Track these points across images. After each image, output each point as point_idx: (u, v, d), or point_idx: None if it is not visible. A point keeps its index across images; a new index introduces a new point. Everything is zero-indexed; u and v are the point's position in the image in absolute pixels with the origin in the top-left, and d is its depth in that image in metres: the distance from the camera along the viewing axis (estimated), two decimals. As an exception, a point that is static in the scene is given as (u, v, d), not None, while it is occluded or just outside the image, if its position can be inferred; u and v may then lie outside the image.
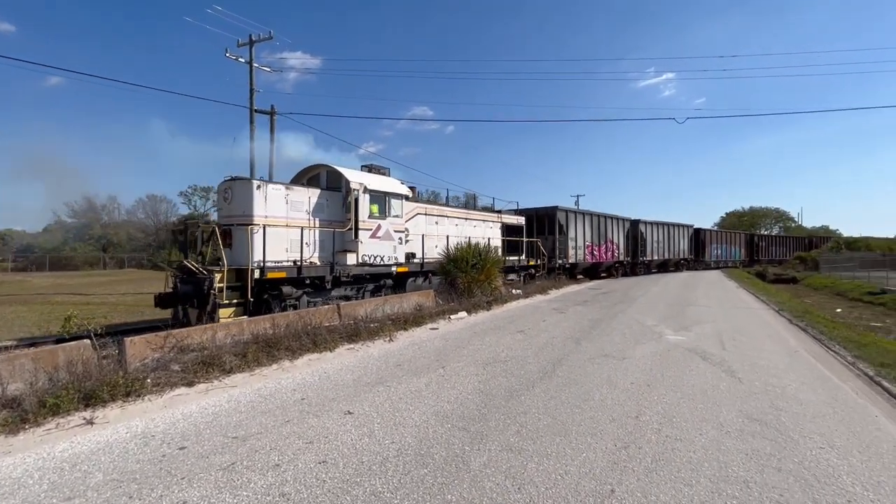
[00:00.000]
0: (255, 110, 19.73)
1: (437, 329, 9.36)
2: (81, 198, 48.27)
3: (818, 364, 6.72)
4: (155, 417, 4.49)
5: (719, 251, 41.23)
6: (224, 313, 8.56)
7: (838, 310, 16.69)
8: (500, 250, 17.40)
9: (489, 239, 16.66)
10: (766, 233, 61.43)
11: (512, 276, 18.27)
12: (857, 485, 3.28)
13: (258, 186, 9.65)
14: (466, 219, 16.30)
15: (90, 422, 4.37)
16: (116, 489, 3.17)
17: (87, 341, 5.61)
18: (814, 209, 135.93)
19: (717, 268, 39.32)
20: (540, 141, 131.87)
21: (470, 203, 20.05)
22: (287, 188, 10.24)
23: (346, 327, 8.11)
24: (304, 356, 6.86)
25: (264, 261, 9.32)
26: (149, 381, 5.24)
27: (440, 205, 15.86)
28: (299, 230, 10.21)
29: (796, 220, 78.03)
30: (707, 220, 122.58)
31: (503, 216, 18.87)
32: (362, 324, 8.41)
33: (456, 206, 17.06)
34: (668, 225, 34.90)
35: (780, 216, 78.72)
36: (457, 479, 3.29)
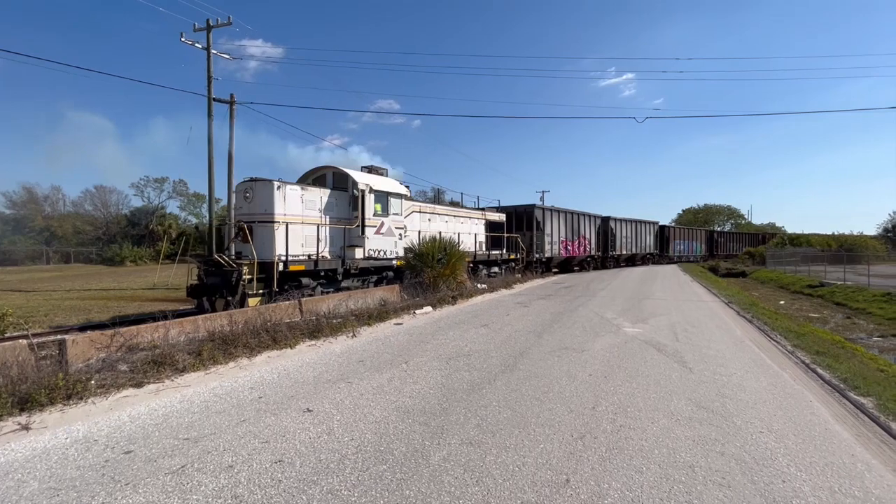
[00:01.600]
0: (214, 99, 18.94)
1: (401, 324, 9.33)
2: (20, 187, 45.06)
3: (761, 353, 7.12)
4: (98, 421, 4.26)
5: (682, 246, 43.52)
6: (252, 302, 9.45)
7: (781, 302, 17.77)
8: (484, 245, 19.06)
9: (475, 234, 18.45)
10: (722, 229, 64.61)
11: (495, 269, 19.75)
12: (791, 465, 3.49)
13: (278, 187, 10.59)
14: (455, 216, 17.67)
15: (26, 427, 4.10)
16: (53, 498, 2.99)
17: (24, 342, 5.25)
18: (762, 207, 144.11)
19: (680, 262, 41.42)
20: (505, 137, 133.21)
21: (438, 199, 20.64)
22: (302, 188, 11.25)
23: (307, 323, 7.95)
24: (263, 353, 6.67)
25: (287, 255, 10.38)
26: (93, 382, 4.96)
27: (432, 203, 17.39)
28: (314, 227, 11.28)
29: (746, 217, 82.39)
30: (666, 216, 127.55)
31: (486, 214, 20.30)
32: (325, 319, 8.27)
33: (446, 205, 18.52)
34: (636, 222, 36.75)
35: (731, 213, 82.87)
36: (416, 474, 3.28)
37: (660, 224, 41.61)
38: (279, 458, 3.50)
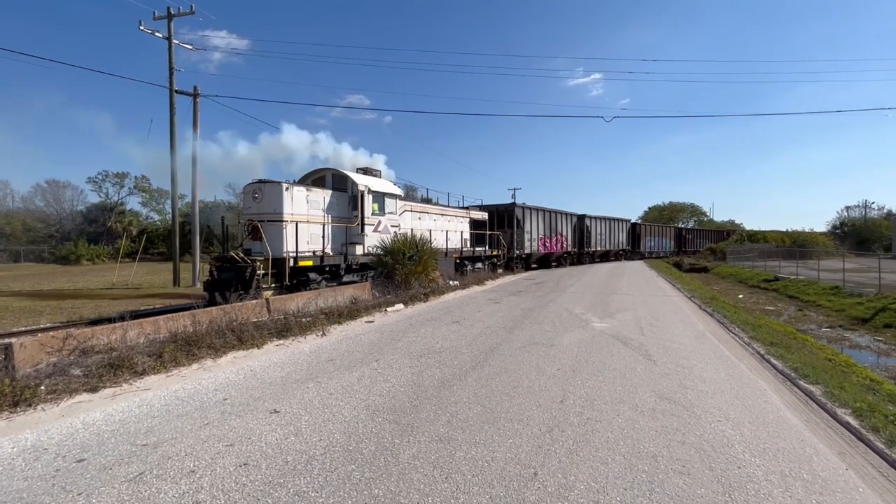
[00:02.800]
0: (176, 91, 18.22)
1: (372, 322, 9.27)
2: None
3: (720, 345, 7.42)
4: (49, 428, 4.04)
5: (652, 243, 45.44)
6: (266, 294, 9.96)
7: (740, 296, 18.55)
8: (468, 242, 20.42)
9: (461, 232, 19.80)
10: (689, 226, 66.98)
11: (479, 265, 20.85)
12: (746, 452, 3.65)
13: (286, 188, 11.43)
14: (442, 214, 18.78)
15: (-33, 437, 3.84)
16: (-3, 511, 2.81)
17: (-35, 346, 4.92)
18: (722, 205, 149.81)
19: (651, 257, 43.36)
20: (479, 136, 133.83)
21: (411, 197, 21.12)
22: (308, 189, 12.09)
23: (275, 322, 7.78)
24: (228, 354, 6.49)
25: (297, 251, 11.22)
26: (42, 388, 4.70)
27: (422, 202, 18.73)
28: (318, 225, 12.14)
29: (708, 214, 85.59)
30: (634, 213, 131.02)
31: (471, 212, 21.39)
32: (293, 318, 8.11)
33: (434, 204, 19.81)
34: (610, 219, 38.31)
35: (694, 211, 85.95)
36: (385, 472, 3.26)
37: (632, 222, 43.27)
38: (244, 462, 3.41)
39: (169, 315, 7.10)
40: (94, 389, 4.94)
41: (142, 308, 11.32)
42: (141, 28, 17.82)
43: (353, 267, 13.00)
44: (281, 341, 7.33)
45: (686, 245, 50.44)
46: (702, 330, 8.73)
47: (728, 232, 58.65)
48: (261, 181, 11.40)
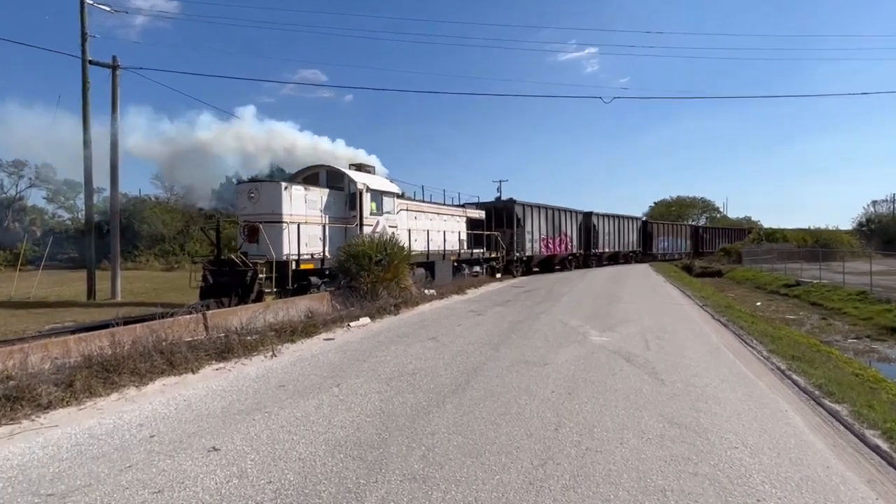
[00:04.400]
0: (90, 62, 17.70)
1: (332, 339, 9.22)
2: None
3: (737, 360, 7.64)
4: (-73, 477, 3.84)
5: (666, 243, 46.88)
6: (268, 299, 10.91)
7: (758, 303, 19.17)
8: (465, 243, 21.92)
9: (459, 232, 21.39)
10: (704, 224, 68.75)
11: (477, 268, 22.53)
12: (766, 483, 3.76)
13: (285, 188, 12.59)
14: (438, 213, 20.25)
15: None
16: None
17: None
18: (736, 200, 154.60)
19: (665, 259, 44.80)
20: (458, 120, 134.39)
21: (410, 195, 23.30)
22: (305, 189, 13.31)
23: (214, 342, 7.63)
24: (156, 381, 6.32)
25: (299, 254, 12.44)
26: (-80, 427, 4.47)
27: (418, 201, 20.13)
28: (317, 226, 13.23)
29: (722, 210, 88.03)
30: (636, 209, 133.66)
31: (467, 210, 23.08)
32: (236, 336, 7.97)
33: (429, 202, 21.03)
34: (619, 217, 39.82)
35: (706, 206, 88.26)
36: (348, 519, 3.22)
37: (643, 220, 45.08)
38: (175, 512, 3.32)
39: (82, 335, 6.87)
40: (-15, 428, 4.73)
41: (47, 327, 10.93)
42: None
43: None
44: (221, 364, 7.19)
45: (703, 246, 52.17)
46: (715, 343, 8.96)
47: (749, 230, 60.72)
48: (257, 180, 12.81)
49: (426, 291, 16.07)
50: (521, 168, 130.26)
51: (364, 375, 6.66)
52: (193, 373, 6.73)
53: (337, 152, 20.84)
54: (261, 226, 12.08)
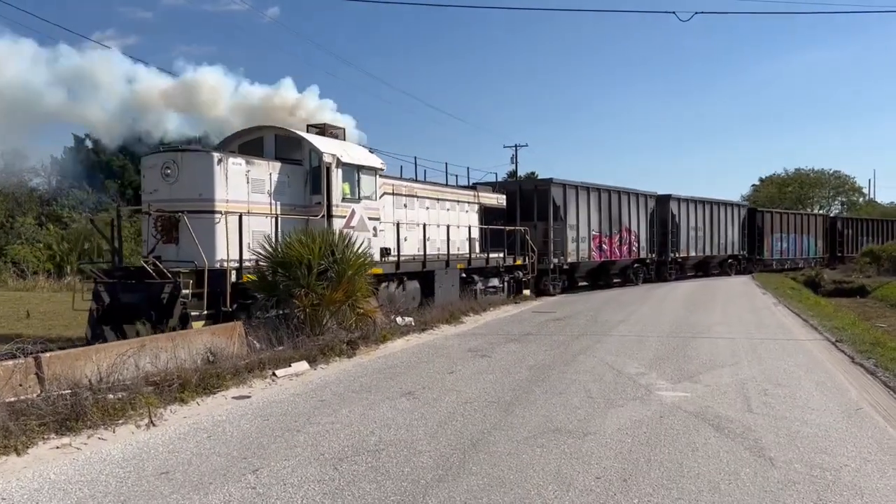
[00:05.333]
0: None
1: (247, 398, 9.21)
2: None
3: (889, 427, 7.70)
4: None
5: (785, 244, 47.82)
6: (196, 327, 11.51)
7: (924, 338, 19.31)
8: (477, 243, 23.01)
9: (469, 228, 22.42)
10: (849, 214, 68.83)
11: (494, 282, 23.39)
12: None
13: (219, 160, 13.07)
14: (439, 199, 21.21)
15: None
16: None
17: None
18: (892, 174, 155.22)
19: (783, 269, 45.78)
20: (447, 53, 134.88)
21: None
22: (248, 163, 13.93)
23: (54, 403, 7.59)
24: (-40, 465, 6.25)
25: (241, 260, 13.10)
26: None
27: (408, 180, 20.73)
28: (266, 219, 13.97)
29: (866, 192, 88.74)
30: (727, 189, 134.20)
31: (480, 194, 24.15)
32: (90, 394, 7.93)
33: (427, 183, 22.07)
34: (710, 203, 40.45)
35: (842, 185, 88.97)
36: None
37: (748, 207, 46.14)
38: None
39: None
40: None
41: None
42: None
43: None
44: (66, 439, 7.12)
45: (844, 247, 52.58)
46: (855, 400, 9.03)
47: None
48: (174, 148, 13.24)
49: (398, 320, 16.03)
50: (548, 134, 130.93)
51: (297, 455, 6.62)
52: (18, 454, 6.64)
53: (291, 105, 20.79)
54: (183, 216, 12.38)
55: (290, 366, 10.90)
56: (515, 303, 23.57)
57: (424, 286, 19.38)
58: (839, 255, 51.94)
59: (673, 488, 5.69)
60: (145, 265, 12.13)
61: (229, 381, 9.76)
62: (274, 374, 10.46)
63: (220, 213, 12.82)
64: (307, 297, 12.98)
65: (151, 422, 7.80)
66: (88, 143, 47.16)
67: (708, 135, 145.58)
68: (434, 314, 17.62)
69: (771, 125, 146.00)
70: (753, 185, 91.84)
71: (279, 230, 13.81)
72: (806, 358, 12.54)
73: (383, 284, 17.20)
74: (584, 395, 9.17)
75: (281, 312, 13.19)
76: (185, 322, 11.81)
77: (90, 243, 36.04)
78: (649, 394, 9.28)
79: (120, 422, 7.69)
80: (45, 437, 7.08)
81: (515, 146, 62.26)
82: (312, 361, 11.44)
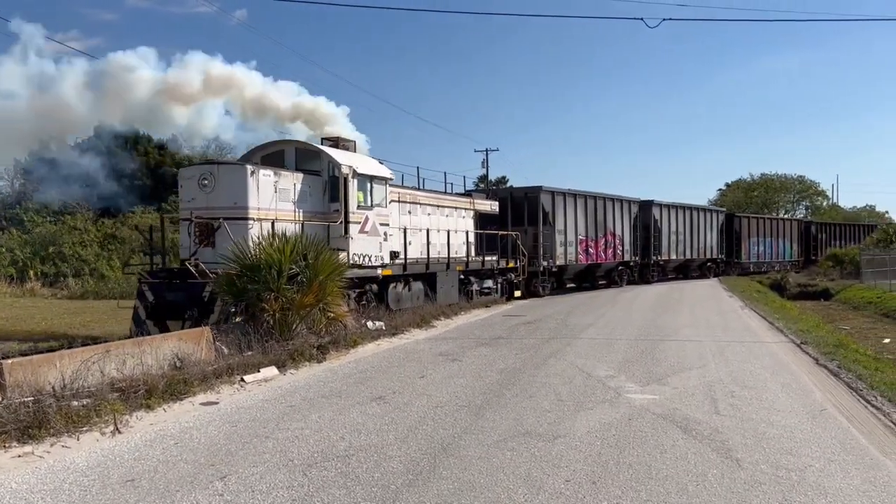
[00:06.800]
0: None
1: (215, 403, 9.16)
2: None
3: (852, 428, 7.85)
4: None
5: (761, 247, 49.59)
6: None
7: (886, 340, 19.68)
8: (473, 247, 24.55)
9: (467, 232, 24.29)
10: (819, 219, 70.32)
11: (489, 283, 25.07)
12: None
13: (252, 172, 14.63)
14: (439, 206, 22.95)
15: None
16: None
17: None
18: (852, 180, 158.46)
19: (760, 271, 47.63)
20: (409, 51, 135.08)
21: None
22: (275, 174, 15.47)
23: (15, 410, 7.49)
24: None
25: None
26: None
27: (411, 188, 22.53)
28: (291, 224, 15.18)
29: (829, 196, 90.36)
30: (698, 196, 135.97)
31: (475, 201, 25.97)
32: (54, 401, 7.84)
33: (427, 191, 23.72)
34: (690, 209, 42.54)
35: (806, 189, 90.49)
36: None
37: (726, 212, 48.15)
38: None
39: None
40: None
41: None
42: None
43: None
44: (28, 448, 7.02)
45: (818, 250, 54.46)
46: (820, 402, 9.18)
47: (871, 227, 62.69)
48: (211, 162, 14.85)
49: (369, 324, 16.05)
50: (521, 136, 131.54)
51: (266, 461, 6.59)
52: (-21, 462, 6.55)
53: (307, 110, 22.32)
54: (223, 223, 13.74)
55: (258, 371, 10.85)
56: (487, 306, 23.84)
57: (427, 286, 20.90)
58: (813, 258, 53.35)
59: (642, 490, 5.74)
60: (189, 266, 13.34)
61: (197, 387, 9.70)
62: (242, 380, 10.41)
63: (253, 219, 14.28)
64: (276, 302, 12.91)
65: (117, 429, 7.72)
66: (53, 147, 46.40)
67: (674, 142, 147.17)
68: (405, 318, 17.83)
69: (736, 133, 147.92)
70: (720, 190, 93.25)
71: (305, 234, 14.73)
72: (772, 360, 12.72)
73: (391, 285, 18.98)
74: (554, 399, 9.23)
75: (245, 317, 13.21)
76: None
77: (54, 247, 35.53)
78: (618, 396, 9.36)
79: (84, 429, 7.61)
80: (7, 445, 6.99)
81: (486, 150, 62.52)
82: (282, 367, 11.41)
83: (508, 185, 66.80)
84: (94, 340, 13.56)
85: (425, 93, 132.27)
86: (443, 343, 14.92)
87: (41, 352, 11.70)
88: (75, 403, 8.03)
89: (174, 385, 9.36)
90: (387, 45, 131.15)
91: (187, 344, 11.17)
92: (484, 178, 62.97)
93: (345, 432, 7.60)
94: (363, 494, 5.65)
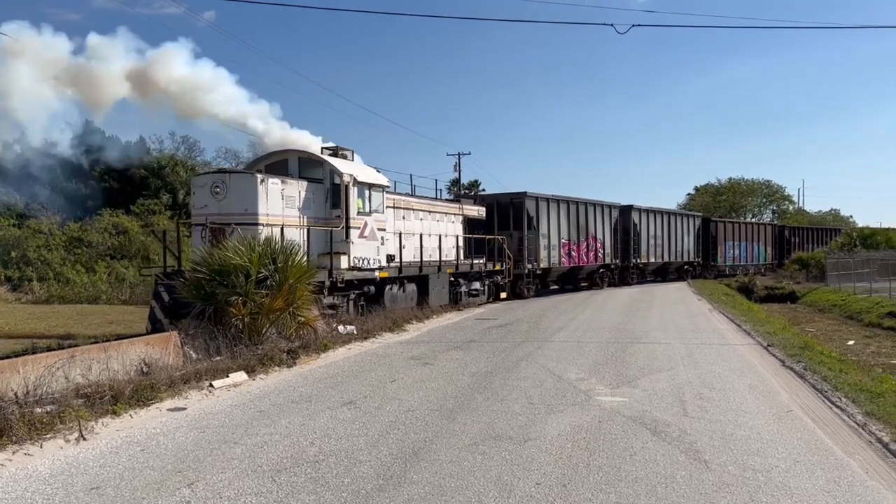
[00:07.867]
0: None
1: (183, 409, 9.09)
2: None
3: (817, 429, 7.98)
4: None
5: (737, 251, 51.17)
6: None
7: (850, 342, 20.09)
8: (462, 250, 26.03)
9: (456, 237, 25.78)
10: (792, 223, 71.76)
11: (477, 285, 26.35)
12: None
13: (261, 181, 15.71)
14: (430, 211, 24.36)
15: None
16: None
17: None
18: (817, 185, 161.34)
19: (735, 274, 48.92)
20: (385, 54, 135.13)
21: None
22: (282, 182, 16.53)
23: (-24, 416, 7.32)
24: None
25: None
26: None
27: (404, 195, 23.89)
28: (297, 230, 16.15)
29: (796, 201, 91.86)
30: (669, 199, 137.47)
31: (464, 207, 27.53)
32: (16, 408, 7.71)
33: (418, 197, 25.37)
34: (669, 214, 44.25)
35: (773, 194, 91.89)
36: None
37: (703, 217, 49.59)
38: None
39: None
40: None
41: None
42: None
43: (339, 285, 17.46)
44: (-9, 454, 6.91)
45: (793, 253, 55.79)
46: (786, 403, 9.32)
47: (835, 230, 64.07)
48: (223, 171, 15.84)
49: (340, 328, 16.04)
50: (491, 139, 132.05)
51: (235, 468, 6.55)
52: (-63, 470, 6.43)
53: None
54: (237, 228, 14.52)
55: (227, 376, 10.79)
56: (459, 310, 23.95)
57: (420, 288, 22.04)
58: (787, 261, 54.34)
59: (611, 492, 5.78)
60: None
61: (164, 392, 9.63)
62: (211, 385, 10.34)
63: (263, 225, 15.11)
64: (245, 305, 12.83)
65: (82, 435, 7.62)
66: (17, 148, 45.61)
67: (639, 147, 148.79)
68: (377, 322, 17.87)
69: (702, 139, 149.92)
70: (689, 194, 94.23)
71: (310, 240, 16.13)
72: (739, 362, 12.88)
73: (388, 286, 20.17)
74: (525, 402, 9.27)
75: (214, 321, 13.07)
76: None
77: (17, 251, 34.89)
78: (589, 399, 9.42)
79: (48, 436, 7.51)
80: (-33, 453, 6.88)
81: (459, 154, 62.42)
82: (251, 371, 11.36)
83: (482, 189, 67.71)
84: (60, 346, 13.33)
85: (396, 96, 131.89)
86: (415, 347, 14.92)
87: (3, 357, 11.39)
88: (39, 410, 7.92)
89: (141, 391, 9.28)
90: (354, 47, 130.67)
91: (155, 349, 11.05)
92: (456, 182, 62.96)
93: (315, 437, 7.58)
94: (333, 500, 5.64)
